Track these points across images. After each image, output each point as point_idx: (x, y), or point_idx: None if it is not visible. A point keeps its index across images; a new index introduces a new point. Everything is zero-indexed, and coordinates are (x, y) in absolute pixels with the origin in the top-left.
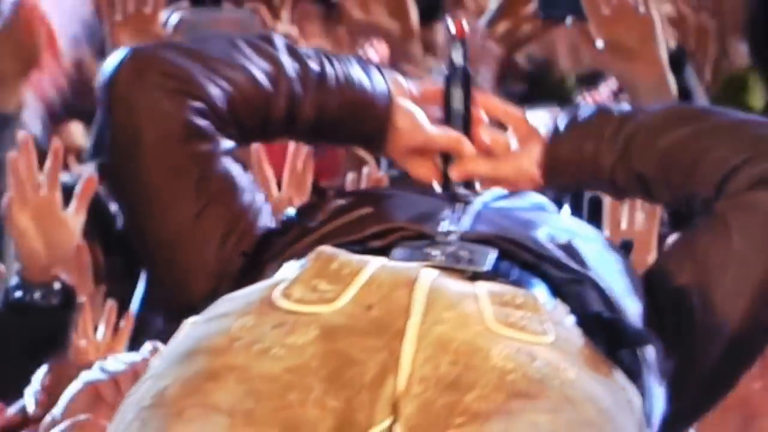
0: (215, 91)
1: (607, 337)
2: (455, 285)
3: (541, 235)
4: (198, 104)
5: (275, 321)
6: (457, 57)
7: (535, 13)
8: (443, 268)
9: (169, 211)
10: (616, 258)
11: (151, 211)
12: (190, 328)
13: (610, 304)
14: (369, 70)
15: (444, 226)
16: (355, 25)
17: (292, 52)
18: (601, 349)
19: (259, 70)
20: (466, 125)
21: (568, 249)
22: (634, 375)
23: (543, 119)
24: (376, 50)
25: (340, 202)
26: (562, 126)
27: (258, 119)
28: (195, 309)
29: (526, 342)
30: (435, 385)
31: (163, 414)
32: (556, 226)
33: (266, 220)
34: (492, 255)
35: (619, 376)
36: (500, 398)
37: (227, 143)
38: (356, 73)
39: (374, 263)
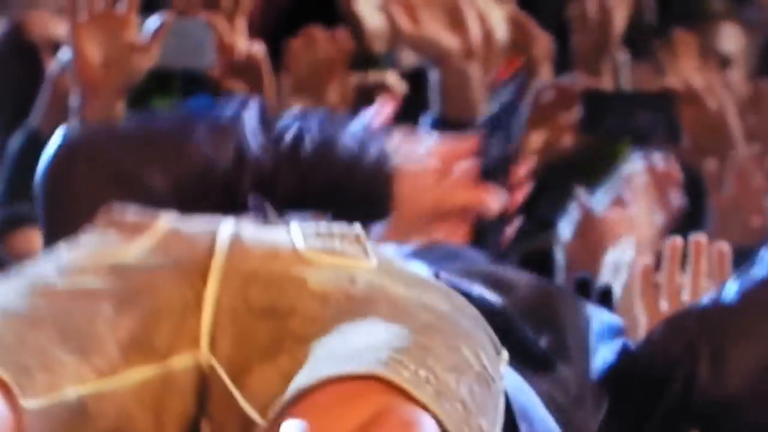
0: (155, 181)
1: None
2: (261, 228)
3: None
4: (136, 196)
5: (60, 266)
6: (498, 101)
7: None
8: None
9: None
10: None
11: None
12: None
13: None
14: (366, 134)
15: None
16: (404, 40)
17: (264, 124)
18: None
19: (214, 151)
20: (503, 178)
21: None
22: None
23: None
24: (384, 109)
25: None
26: None
27: (218, 204)
28: None
29: (343, 266)
30: (248, 313)
31: None
32: None
33: None
34: (305, 215)
35: (464, 300)
36: (327, 320)
37: None
38: (346, 140)
39: (169, 216)
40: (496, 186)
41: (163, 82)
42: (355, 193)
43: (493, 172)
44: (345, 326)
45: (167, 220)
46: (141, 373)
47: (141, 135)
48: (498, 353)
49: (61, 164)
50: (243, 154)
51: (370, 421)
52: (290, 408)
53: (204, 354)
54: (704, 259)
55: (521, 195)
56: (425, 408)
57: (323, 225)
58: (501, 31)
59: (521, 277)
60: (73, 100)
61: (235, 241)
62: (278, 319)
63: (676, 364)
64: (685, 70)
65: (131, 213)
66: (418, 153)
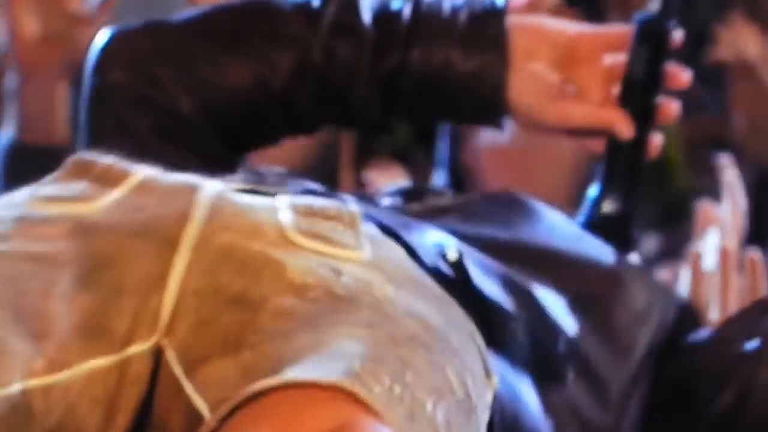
0: (188, 103)
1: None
2: (249, 197)
3: None
4: (161, 117)
5: (17, 213)
6: (655, 3)
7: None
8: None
9: None
10: None
11: None
12: None
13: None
14: (479, 16)
15: None
16: None
17: (347, 12)
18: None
19: (276, 59)
20: (646, 97)
21: None
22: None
23: None
24: None
25: None
26: None
27: (271, 122)
28: None
29: (331, 256)
30: (214, 298)
31: None
32: None
33: None
34: (307, 183)
35: (461, 313)
36: (302, 315)
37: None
38: (449, 25)
39: (149, 169)
40: (633, 105)
41: None
42: (455, 90)
43: (635, 84)
44: (321, 326)
45: (144, 172)
46: (95, 364)
47: (185, 46)
48: (488, 377)
49: (98, 74)
50: (305, 59)
51: None
52: (242, 407)
53: (158, 336)
54: (732, 269)
55: (664, 120)
56: (393, 430)
57: (317, 201)
58: None
59: (593, 264)
60: (10, 80)
61: (216, 207)
62: (247, 310)
63: (733, 369)
64: (740, 40)
65: (107, 160)
66: (554, 41)
